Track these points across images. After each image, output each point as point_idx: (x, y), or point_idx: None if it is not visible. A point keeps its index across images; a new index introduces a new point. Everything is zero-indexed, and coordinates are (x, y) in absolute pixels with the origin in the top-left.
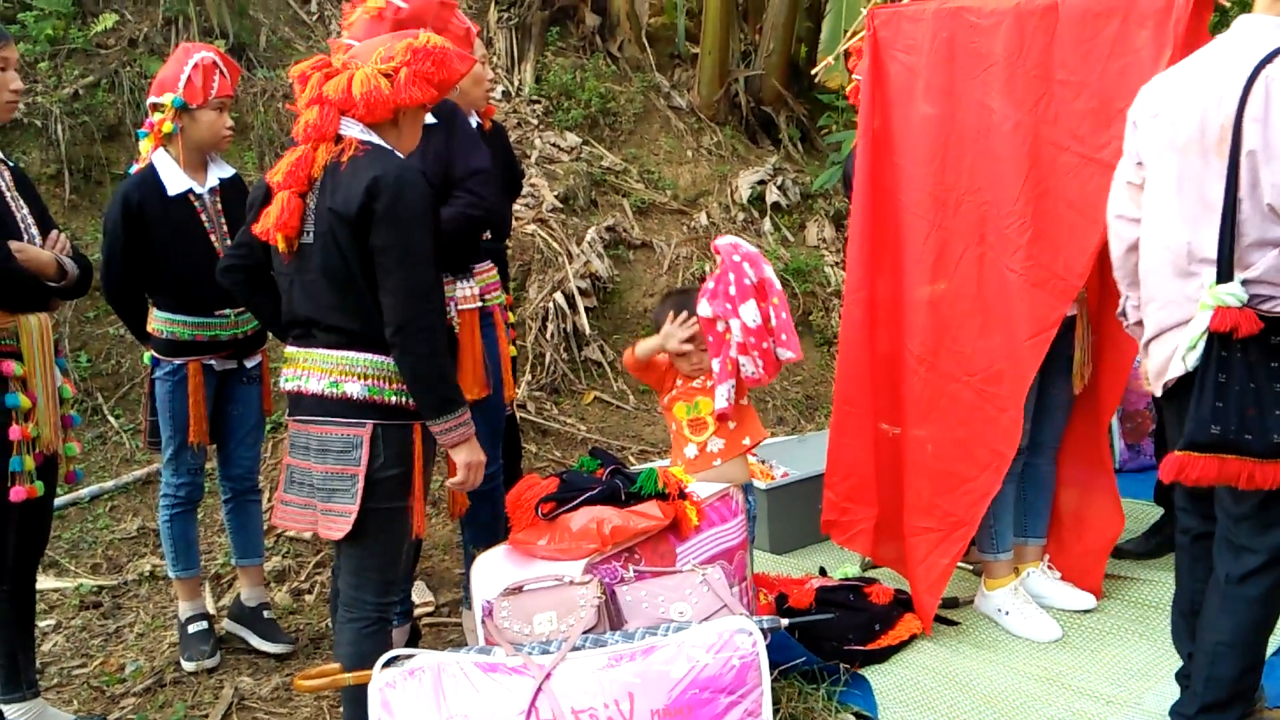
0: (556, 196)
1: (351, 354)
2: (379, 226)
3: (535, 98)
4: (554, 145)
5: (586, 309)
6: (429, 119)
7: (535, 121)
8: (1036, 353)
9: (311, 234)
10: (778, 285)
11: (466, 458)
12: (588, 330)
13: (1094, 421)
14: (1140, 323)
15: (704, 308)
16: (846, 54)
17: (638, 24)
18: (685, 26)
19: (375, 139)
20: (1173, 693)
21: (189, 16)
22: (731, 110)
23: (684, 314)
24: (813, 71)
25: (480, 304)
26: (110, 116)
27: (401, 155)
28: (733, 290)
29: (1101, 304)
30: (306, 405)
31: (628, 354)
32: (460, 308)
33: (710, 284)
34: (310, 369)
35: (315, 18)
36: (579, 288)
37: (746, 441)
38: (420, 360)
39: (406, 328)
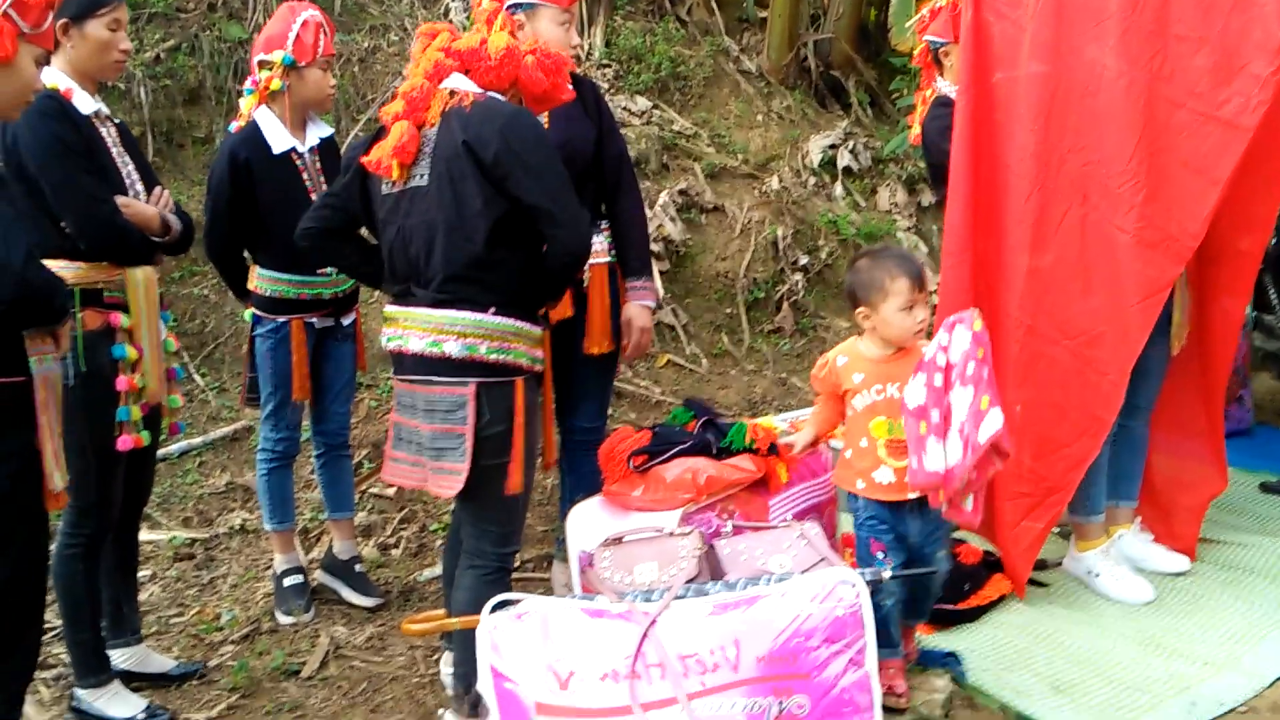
0: None
1: (450, 313)
2: (516, 149)
3: (605, 62)
4: (624, 109)
5: (660, 272)
6: None
7: (606, 85)
8: (1149, 315)
9: (426, 176)
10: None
11: None
12: (661, 293)
13: (1198, 385)
14: None
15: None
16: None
17: None
18: None
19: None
20: (1272, 654)
21: None
22: (801, 74)
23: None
24: (906, 25)
25: (609, 258)
26: (191, 80)
27: None
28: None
29: (1202, 266)
30: (409, 365)
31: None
32: (591, 261)
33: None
34: (410, 328)
35: None
36: (652, 251)
37: None
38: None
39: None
